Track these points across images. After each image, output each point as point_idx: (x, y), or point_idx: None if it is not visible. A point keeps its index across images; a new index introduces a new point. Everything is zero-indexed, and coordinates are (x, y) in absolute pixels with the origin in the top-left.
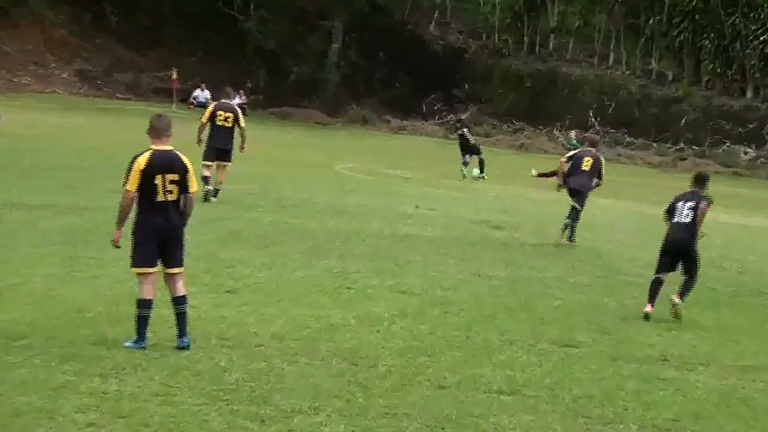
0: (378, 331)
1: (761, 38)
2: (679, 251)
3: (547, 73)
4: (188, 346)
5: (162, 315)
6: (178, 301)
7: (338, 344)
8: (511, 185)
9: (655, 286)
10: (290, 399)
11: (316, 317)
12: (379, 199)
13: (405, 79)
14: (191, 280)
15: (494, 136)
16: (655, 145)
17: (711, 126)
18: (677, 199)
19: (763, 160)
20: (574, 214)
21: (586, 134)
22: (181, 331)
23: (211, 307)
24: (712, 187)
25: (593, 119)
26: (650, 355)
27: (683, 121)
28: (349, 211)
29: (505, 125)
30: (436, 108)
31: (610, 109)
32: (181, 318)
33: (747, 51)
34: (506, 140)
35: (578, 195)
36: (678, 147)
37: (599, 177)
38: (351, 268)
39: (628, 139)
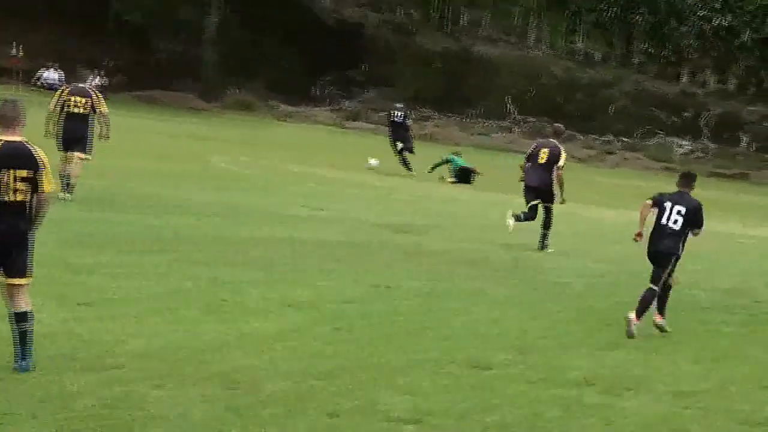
0: (261, 351)
1: (699, 14)
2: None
3: (460, 53)
4: (30, 368)
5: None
6: (20, 318)
7: (213, 366)
8: (419, 182)
9: (649, 298)
10: (153, 430)
11: (187, 334)
12: (263, 198)
13: (294, 59)
14: (35, 290)
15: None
16: (580, 137)
17: (643, 115)
18: (665, 199)
19: (699, 154)
20: (546, 220)
21: (554, 125)
22: (24, 353)
23: (60, 322)
24: (637, 185)
25: (511, 106)
26: (574, 379)
27: (612, 109)
28: (227, 212)
29: (411, 112)
30: (329, 92)
31: (531, 95)
32: (23, 337)
33: (683, 29)
34: (413, 128)
35: (537, 192)
36: (605, 138)
37: (558, 167)
38: (229, 278)
39: (549, 128)
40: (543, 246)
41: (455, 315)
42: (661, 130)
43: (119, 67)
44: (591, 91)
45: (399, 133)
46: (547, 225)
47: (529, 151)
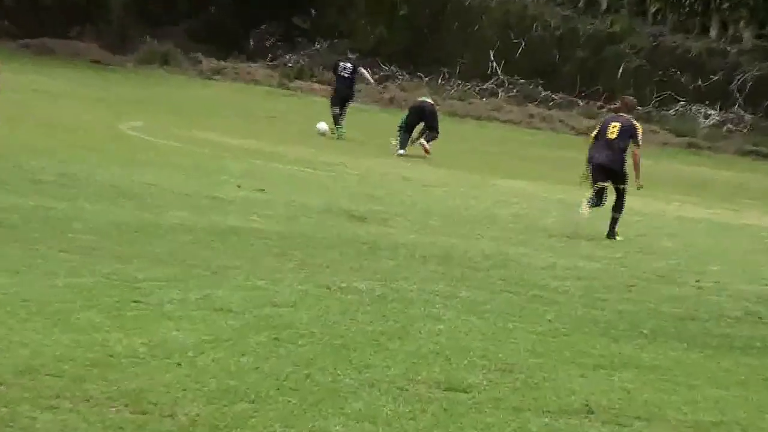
0: (179, 365)
1: None
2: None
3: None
4: None
5: None
6: None
7: (118, 383)
8: (380, 158)
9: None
10: None
11: (86, 344)
12: (184, 176)
13: (224, 2)
14: None
15: (357, 84)
16: (581, 103)
17: (659, 77)
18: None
19: (730, 127)
20: (618, 202)
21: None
22: None
23: None
24: (650, 167)
25: (494, 64)
26: (568, 405)
27: (621, 69)
28: (140, 193)
29: (370, 70)
30: (268, 44)
31: (519, 51)
32: None
33: None
34: (371, 92)
35: (607, 173)
36: (613, 105)
37: (636, 143)
38: (140, 275)
39: (544, 93)
40: (612, 234)
41: (422, 324)
42: (682, 97)
43: (2, 12)
44: (594, 47)
45: (343, 91)
46: (618, 208)
47: (596, 130)
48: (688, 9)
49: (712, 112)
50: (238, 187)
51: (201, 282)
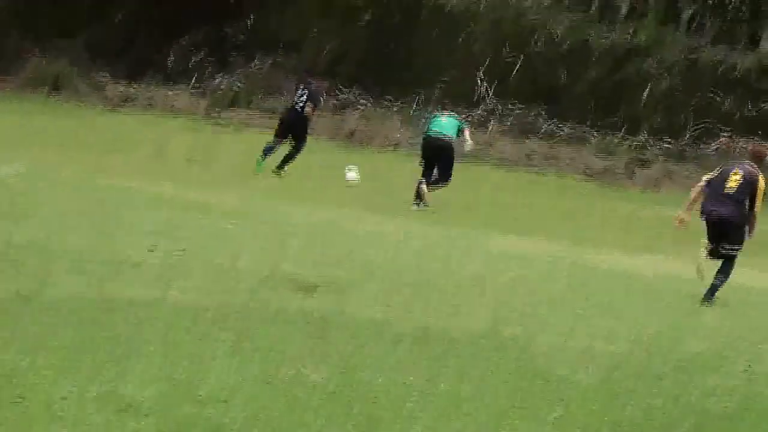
0: None
1: None
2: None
3: (401, 1)
4: None
5: None
6: None
7: None
8: (337, 209)
9: None
10: None
11: None
12: (78, 233)
13: (136, 9)
14: None
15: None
16: (596, 135)
17: (697, 102)
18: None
19: None
20: (725, 267)
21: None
22: None
23: None
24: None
25: (484, 85)
26: None
27: (646, 92)
28: (17, 255)
29: (323, 97)
30: (193, 62)
31: (516, 70)
32: None
33: None
34: (325, 124)
35: (726, 229)
36: (635, 141)
37: (752, 205)
38: (22, 362)
39: (547, 124)
40: (710, 299)
41: (391, 426)
42: (727, 128)
43: None
44: (613, 63)
45: (290, 123)
46: (725, 273)
47: (712, 174)
48: (732, 13)
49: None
50: (151, 249)
51: (101, 373)
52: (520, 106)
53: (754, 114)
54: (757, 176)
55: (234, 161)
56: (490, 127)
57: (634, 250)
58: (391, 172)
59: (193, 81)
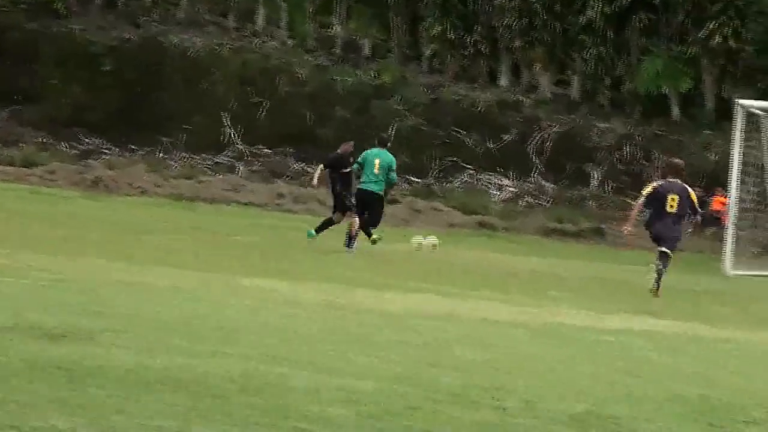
0: None
1: None
2: None
3: (145, 46)
4: None
5: None
6: None
7: None
8: (85, 257)
9: None
10: None
11: None
12: None
13: None
14: None
15: (49, 162)
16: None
17: (441, 138)
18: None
19: (528, 199)
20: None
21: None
22: None
23: None
24: (447, 252)
25: (230, 130)
26: None
27: (392, 129)
28: None
29: (65, 144)
30: None
31: (263, 113)
32: None
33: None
34: (67, 172)
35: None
36: (402, 178)
37: (694, 212)
38: None
39: (296, 166)
40: (658, 284)
41: None
42: (469, 164)
43: None
44: (355, 99)
45: None
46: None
47: (647, 195)
48: (471, 51)
49: (507, 181)
50: None
51: None
52: (268, 149)
53: (494, 149)
54: (688, 190)
55: None
56: (239, 171)
57: (384, 286)
58: (137, 219)
59: None
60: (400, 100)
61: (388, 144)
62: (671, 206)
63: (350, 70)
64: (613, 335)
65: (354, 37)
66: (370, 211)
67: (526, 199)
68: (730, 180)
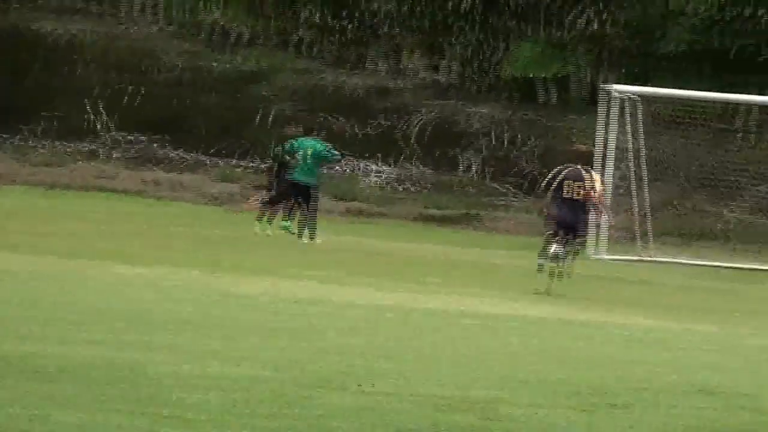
0: None
1: None
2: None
3: (11, 33)
4: None
5: None
6: None
7: None
8: None
9: None
10: None
11: None
12: None
13: None
14: None
15: None
16: (221, 163)
17: (316, 125)
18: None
19: (406, 185)
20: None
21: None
22: None
23: None
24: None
25: (101, 116)
26: None
27: (259, 116)
28: None
29: None
30: None
31: (132, 97)
32: None
33: None
34: None
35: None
36: (257, 164)
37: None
38: None
39: (171, 153)
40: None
41: None
42: (346, 150)
43: None
44: (230, 86)
45: None
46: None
47: (550, 179)
48: (348, 37)
49: (381, 167)
50: None
51: None
52: (140, 135)
53: (371, 133)
54: (593, 177)
55: None
56: (111, 157)
57: (257, 272)
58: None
59: None
60: (274, 86)
61: (314, 131)
62: (568, 191)
63: (225, 56)
64: (480, 319)
65: (228, 23)
66: (305, 202)
67: (400, 185)
68: (601, 165)
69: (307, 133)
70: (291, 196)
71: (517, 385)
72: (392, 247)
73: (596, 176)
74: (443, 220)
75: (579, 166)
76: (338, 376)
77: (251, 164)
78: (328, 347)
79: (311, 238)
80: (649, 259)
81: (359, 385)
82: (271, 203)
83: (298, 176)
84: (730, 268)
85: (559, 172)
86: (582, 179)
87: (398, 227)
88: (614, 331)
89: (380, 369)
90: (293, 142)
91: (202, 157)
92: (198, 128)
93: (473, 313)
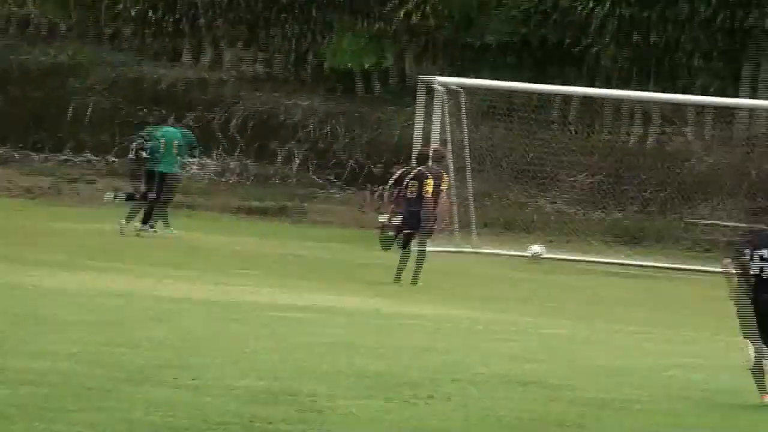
0: None
1: None
2: None
3: None
4: None
5: None
6: None
7: None
8: None
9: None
10: None
11: None
12: None
13: None
14: None
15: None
16: (35, 157)
17: (122, 119)
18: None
19: (229, 177)
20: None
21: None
22: None
23: None
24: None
25: None
26: None
27: (71, 110)
28: None
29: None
30: None
31: None
32: None
33: None
34: None
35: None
36: (77, 158)
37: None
38: None
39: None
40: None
41: None
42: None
43: None
44: (43, 79)
45: None
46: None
47: (399, 176)
48: (161, 29)
49: (206, 160)
50: None
51: None
52: None
53: (192, 126)
54: (442, 176)
55: None
56: None
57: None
58: None
59: None
60: (91, 79)
61: (169, 121)
62: (411, 190)
63: (39, 48)
64: (296, 311)
65: (42, 16)
66: (161, 190)
67: (221, 177)
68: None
69: (168, 123)
70: (152, 185)
71: (337, 378)
72: (216, 240)
73: (445, 177)
74: (265, 212)
75: (423, 168)
76: (151, 370)
77: (63, 158)
78: (140, 340)
79: (152, 227)
80: (469, 250)
81: (175, 378)
82: (143, 198)
83: (160, 166)
84: (548, 259)
85: (407, 173)
86: (436, 176)
87: (220, 220)
88: (426, 323)
89: (194, 362)
90: (159, 132)
91: (13, 151)
92: (10, 121)
93: (288, 305)
